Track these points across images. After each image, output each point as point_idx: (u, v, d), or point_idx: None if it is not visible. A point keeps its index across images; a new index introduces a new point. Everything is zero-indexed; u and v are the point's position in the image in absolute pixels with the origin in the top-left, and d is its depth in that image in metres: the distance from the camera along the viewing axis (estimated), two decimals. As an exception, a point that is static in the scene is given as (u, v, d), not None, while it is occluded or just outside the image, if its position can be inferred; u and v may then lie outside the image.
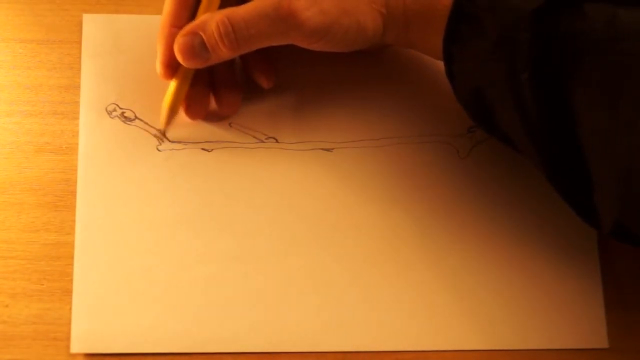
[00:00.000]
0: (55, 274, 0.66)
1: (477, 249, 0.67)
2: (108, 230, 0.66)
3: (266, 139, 0.70)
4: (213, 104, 0.70)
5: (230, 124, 0.70)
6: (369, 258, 0.67)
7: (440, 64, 0.65)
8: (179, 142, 0.69)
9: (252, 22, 0.64)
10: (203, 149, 0.69)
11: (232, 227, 0.67)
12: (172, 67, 0.67)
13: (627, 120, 0.57)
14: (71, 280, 0.65)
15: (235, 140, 0.69)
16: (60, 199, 0.67)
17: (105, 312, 0.65)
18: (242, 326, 0.65)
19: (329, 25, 0.64)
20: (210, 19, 0.65)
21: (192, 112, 0.69)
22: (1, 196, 0.67)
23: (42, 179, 0.68)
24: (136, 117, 0.69)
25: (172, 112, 0.68)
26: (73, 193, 0.67)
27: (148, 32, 0.69)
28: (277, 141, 0.70)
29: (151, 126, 0.69)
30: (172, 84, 0.67)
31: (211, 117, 0.70)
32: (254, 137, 0.70)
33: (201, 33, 0.65)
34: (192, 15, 0.67)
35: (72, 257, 0.66)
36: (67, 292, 0.65)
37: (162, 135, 0.69)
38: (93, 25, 0.71)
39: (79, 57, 0.71)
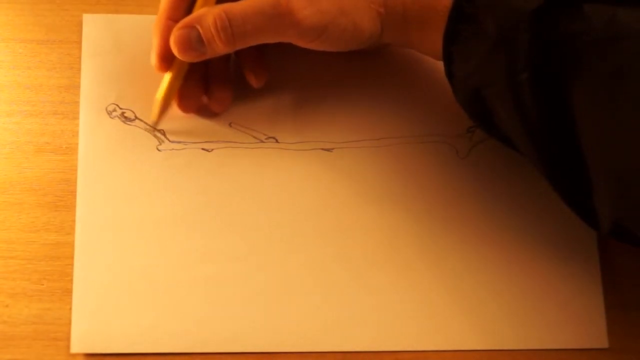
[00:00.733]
0: (55, 274, 0.66)
1: (476, 248, 0.67)
2: (108, 230, 0.66)
3: (266, 139, 0.70)
4: (206, 98, 0.70)
5: (230, 124, 0.70)
6: (369, 258, 0.67)
7: (439, 64, 0.65)
8: (179, 142, 0.69)
9: (249, 18, 0.64)
10: (203, 148, 0.69)
11: (232, 227, 0.67)
12: (167, 60, 0.67)
13: (626, 121, 0.57)
14: (71, 280, 0.65)
15: (235, 140, 0.69)
16: (60, 199, 0.67)
17: (105, 312, 0.65)
18: (242, 326, 0.65)
19: (325, 24, 0.64)
20: (208, 13, 0.65)
21: (184, 105, 0.69)
22: (1, 196, 0.67)
23: (42, 179, 0.68)
24: (136, 117, 0.69)
25: (165, 105, 0.68)
26: (73, 193, 0.67)
27: (148, 32, 0.69)
28: (277, 141, 0.69)
29: (151, 126, 0.69)
30: (166, 77, 0.67)
31: (203, 112, 0.69)
32: (254, 137, 0.70)
33: (198, 26, 0.65)
34: (190, 9, 0.67)
35: (72, 257, 0.66)
36: (67, 292, 0.65)
37: (154, 129, 0.68)
38: (93, 25, 0.71)
39: (79, 57, 0.71)
